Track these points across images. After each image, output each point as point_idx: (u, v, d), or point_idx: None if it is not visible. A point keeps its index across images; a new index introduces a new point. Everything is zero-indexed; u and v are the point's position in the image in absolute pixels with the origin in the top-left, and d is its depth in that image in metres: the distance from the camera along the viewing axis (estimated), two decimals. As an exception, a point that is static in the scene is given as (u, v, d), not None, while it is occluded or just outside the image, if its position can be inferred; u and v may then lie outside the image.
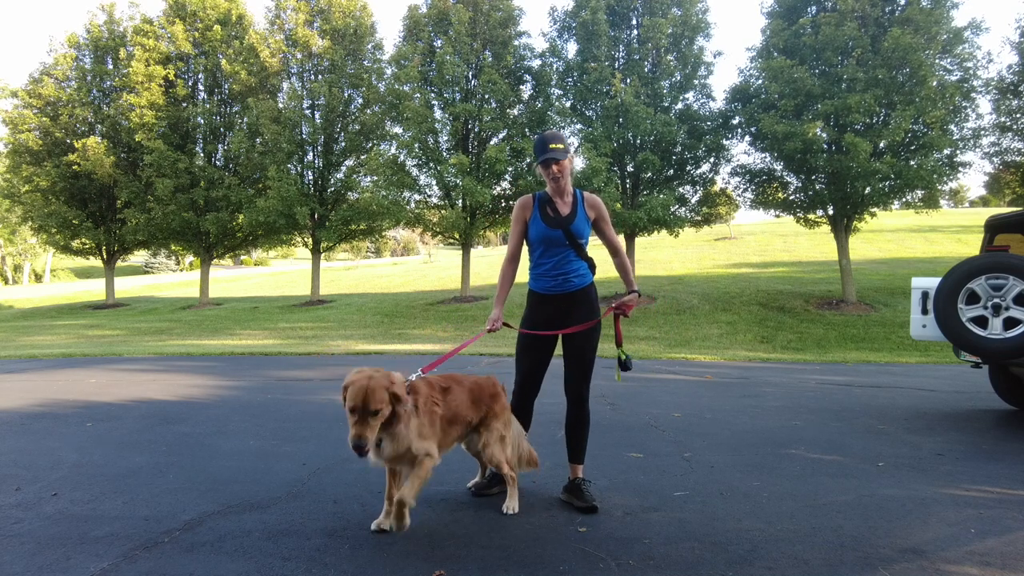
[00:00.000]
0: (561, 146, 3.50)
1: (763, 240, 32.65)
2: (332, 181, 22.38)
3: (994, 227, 6.57)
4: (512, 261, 3.71)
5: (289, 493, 3.65)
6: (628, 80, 16.73)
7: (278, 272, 47.66)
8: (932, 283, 6.04)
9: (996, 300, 5.40)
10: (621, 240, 3.33)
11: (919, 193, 15.85)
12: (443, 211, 19.75)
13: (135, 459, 4.39)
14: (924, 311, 6.18)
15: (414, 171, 20.24)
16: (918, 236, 29.72)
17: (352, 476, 4.02)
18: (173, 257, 63.42)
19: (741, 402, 6.82)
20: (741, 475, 4.09)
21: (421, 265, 39.22)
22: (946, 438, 5.17)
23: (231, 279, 42.19)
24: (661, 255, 29.03)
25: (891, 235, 30.34)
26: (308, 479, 3.94)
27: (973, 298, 5.52)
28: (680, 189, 18.29)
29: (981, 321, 5.47)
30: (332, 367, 9.80)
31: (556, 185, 3.57)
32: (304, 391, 7.55)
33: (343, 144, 22.18)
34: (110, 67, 25.09)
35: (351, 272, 38.40)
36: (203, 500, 3.52)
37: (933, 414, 6.21)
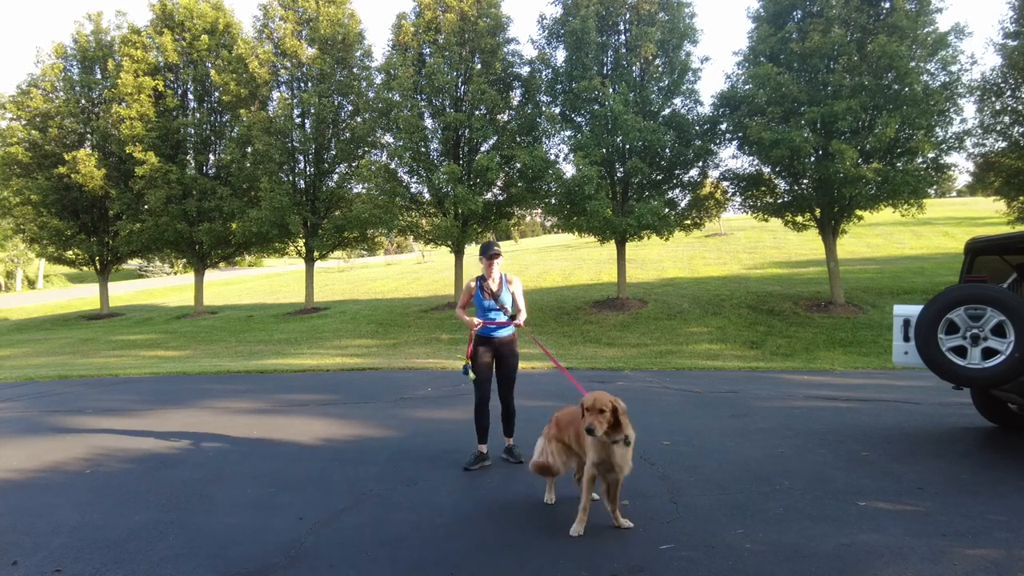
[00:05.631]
0: (498, 249, 5.60)
1: (753, 236, 32.81)
2: (324, 189, 22.40)
3: (974, 250, 6.69)
4: (463, 308, 5.86)
5: (287, 557, 3.76)
6: (616, 87, 16.79)
7: (272, 274, 47.71)
8: (913, 311, 6.16)
9: (975, 330, 5.52)
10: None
11: (905, 194, 15.98)
12: (436, 219, 19.82)
13: (134, 517, 4.48)
14: (906, 338, 6.32)
15: (405, 178, 20.32)
16: (906, 230, 29.94)
17: (348, 534, 4.13)
18: (168, 260, 63.21)
19: (729, 424, 6.95)
20: (726, 520, 4.22)
21: (415, 265, 39.24)
22: (926, 467, 5.30)
23: (225, 282, 42.23)
24: (652, 254, 29.15)
25: (880, 228, 30.54)
26: (306, 537, 4.05)
27: (952, 328, 5.63)
28: (670, 193, 18.39)
29: (960, 351, 5.59)
30: (328, 389, 9.88)
31: (489, 273, 5.63)
32: (301, 418, 7.63)
33: (334, 152, 22.22)
34: (98, 77, 25.02)
35: (344, 274, 38.42)
36: (204, 569, 3.62)
37: (916, 435, 6.35)
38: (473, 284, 5.66)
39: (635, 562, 3.63)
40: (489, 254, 5.51)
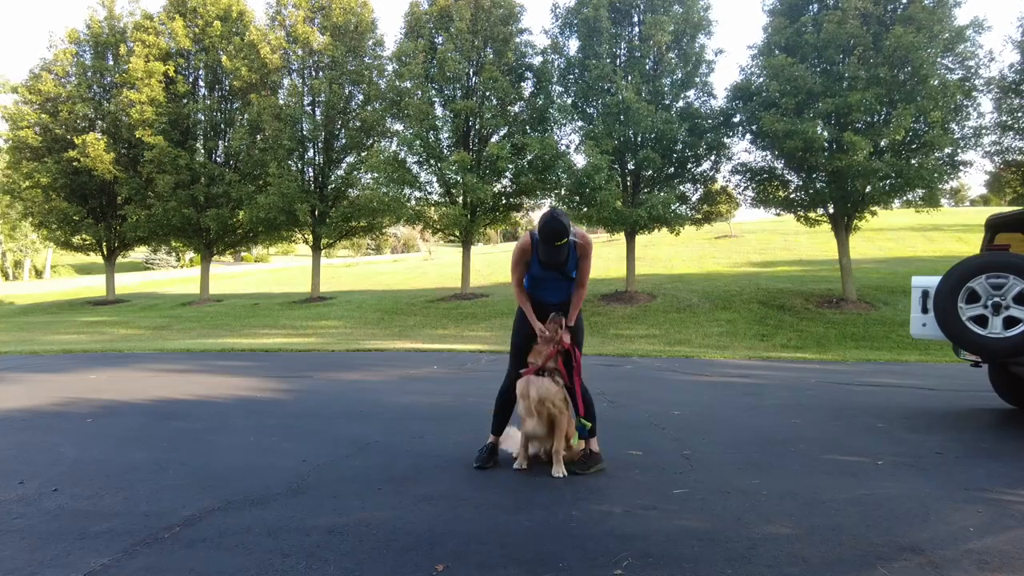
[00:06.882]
0: (566, 239, 3.86)
1: (764, 238, 32.63)
2: (333, 178, 22.40)
3: (995, 226, 6.55)
4: (520, 286, 4.29)
5: (289, 489, 3.66)
6: (629, 77, 16.72)
7: (278, 268, 47.69)
8: (932, 282, 6.02)
9: (996, 299, 5.37)
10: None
11: (920, 192, 15.83)
12: (444, 208, 19.75)
13: (135, 455, 4.40)
14: (924, 310, 6.17)
15: (415, 168, 20.25)
16: (919, 235, 29.70)
17: (352, 472, 4.03)
18: (173, 254, 63.47)
19: (741, 400, 6.83)
20: (740, 473, 4.09)
21: (421, 262, 39.21)
22: (945, 437, 5.16)
23: (232, 275, 42.22)
24: (661, 253, 29.02)
25: (892, 233, 30.32)
26: (308, 475, 3.95)
27: (973, 297, 5.48)
28: (681, 187, 18.29)
29: (981, 320, 5.44)
30: (335, 365, 9.81)
31: None
32: (307, 383, 7.58)
33: (344, 141, 22.21)
34: (110, 63, 25.10)
35: (351, 269, 38.42)
36: (203, 496, 3.53)
37: (933, 412, 6.21)
38: (529, 250, 4.08)
39: (647, 502, 3.51)
40: (545, 234, 3.85)
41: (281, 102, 21.63)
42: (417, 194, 20.46)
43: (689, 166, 18.24)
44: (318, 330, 17.30)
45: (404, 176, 19.38)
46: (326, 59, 21.48)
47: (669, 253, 28.91)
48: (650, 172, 17.86)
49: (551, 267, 4.03)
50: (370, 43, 22.18)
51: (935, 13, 14.75)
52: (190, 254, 58.08)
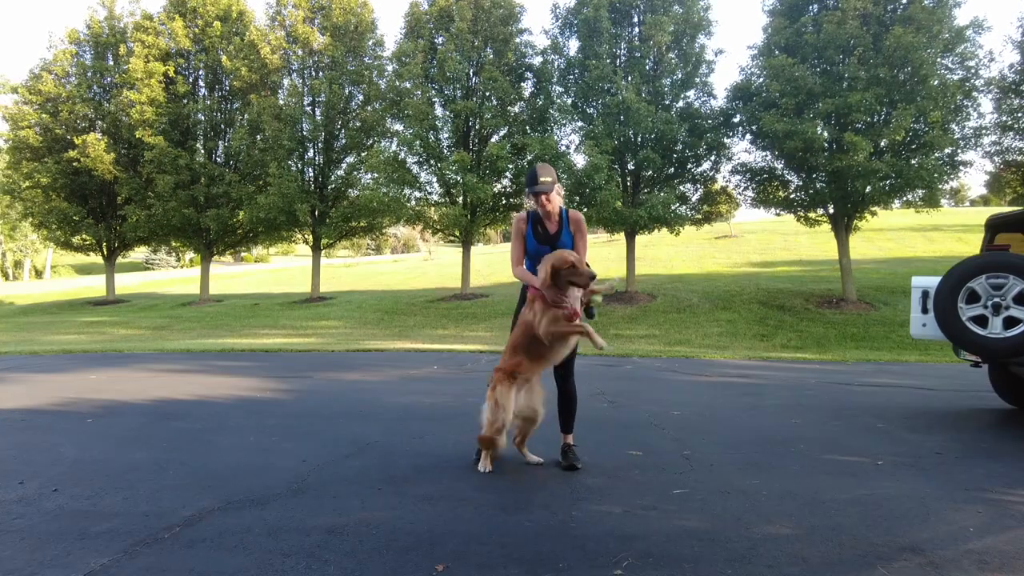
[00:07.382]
0: (550, 179, 3.96)
1: (764, 238, 32.63)
2: (333, 178, 22.41)
3: (994, 226, 6.55)
4: (520, 264, 4.18)
5: (289, 489, 3.66)
6: (629, 78, 16.73)
7: (279, 269, 47.67)
8: (932, 282, 6.02)
9: (996, 299, 5.37)
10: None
11: (920, 192, 15.85)
12: (444, 208, 19.76)
13: (135, 455, 4.41)
14: (924, 310, 6.17)
15: (414, 168, 20.25)
16: (919, 235, 29.69)
17: (353, 472, 4.03)
18: (173, 254, 63.41)
19: (740, 400, 6.83)
20: (740, 473, 4.09)
21: (421, 263, 39.21)
22: (945, 437, 5.16)
23: (232, 276, 42.20)
24: (661, 253, 29.02)
25: (892, 234, 30.32)
26: (308, 475, 3.95)
27: (973, 297, 5.48)
28: (681, 187, 18.30)
29: (981, 320, 5.44)
30: (335, 365, 9.81)
31: (544, 210, 4.04)
32: (307, 384, 7.58)
33: (344, 141, 22.21)
34: (110, 63, 25.11)
35: (351, 269, 38.41)
36: (203, 496, 3.53)
37: (932, 413, 6.21)
38: (524, 223, 4.09)
39: (647, 502, 3.51)
40: (536, 189, 3.92)
41: (281, 102, 21.64)
42: (417, 194, 20.50)
43: (689, 166, 18.26)
44: (318, 330, 17.30)
45: (404, 176, 19.40)
46: (326, 59, 21.50)
47: (669, 253, 28.92)
48: (650, 172, 17.87)
49: (546, 241, 4.08)
50: (370, 43, 22.19)
51: (935, 13, 14.76)
52: (190, 254, 58.03)
